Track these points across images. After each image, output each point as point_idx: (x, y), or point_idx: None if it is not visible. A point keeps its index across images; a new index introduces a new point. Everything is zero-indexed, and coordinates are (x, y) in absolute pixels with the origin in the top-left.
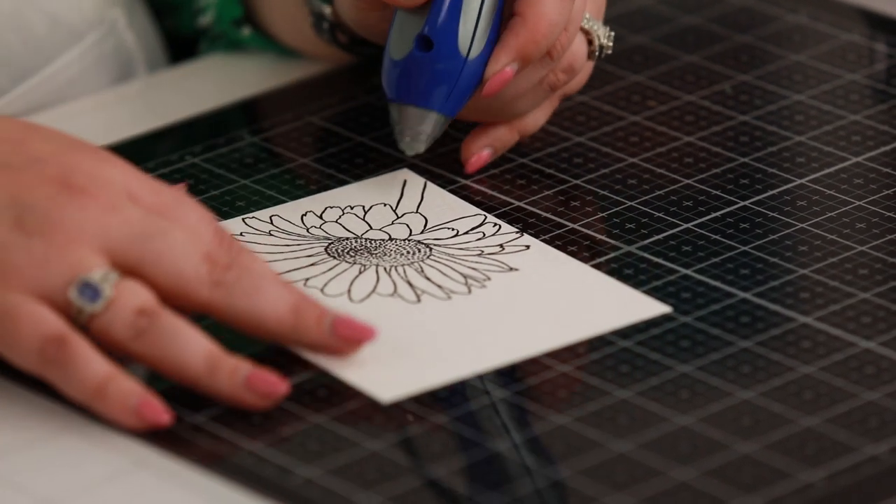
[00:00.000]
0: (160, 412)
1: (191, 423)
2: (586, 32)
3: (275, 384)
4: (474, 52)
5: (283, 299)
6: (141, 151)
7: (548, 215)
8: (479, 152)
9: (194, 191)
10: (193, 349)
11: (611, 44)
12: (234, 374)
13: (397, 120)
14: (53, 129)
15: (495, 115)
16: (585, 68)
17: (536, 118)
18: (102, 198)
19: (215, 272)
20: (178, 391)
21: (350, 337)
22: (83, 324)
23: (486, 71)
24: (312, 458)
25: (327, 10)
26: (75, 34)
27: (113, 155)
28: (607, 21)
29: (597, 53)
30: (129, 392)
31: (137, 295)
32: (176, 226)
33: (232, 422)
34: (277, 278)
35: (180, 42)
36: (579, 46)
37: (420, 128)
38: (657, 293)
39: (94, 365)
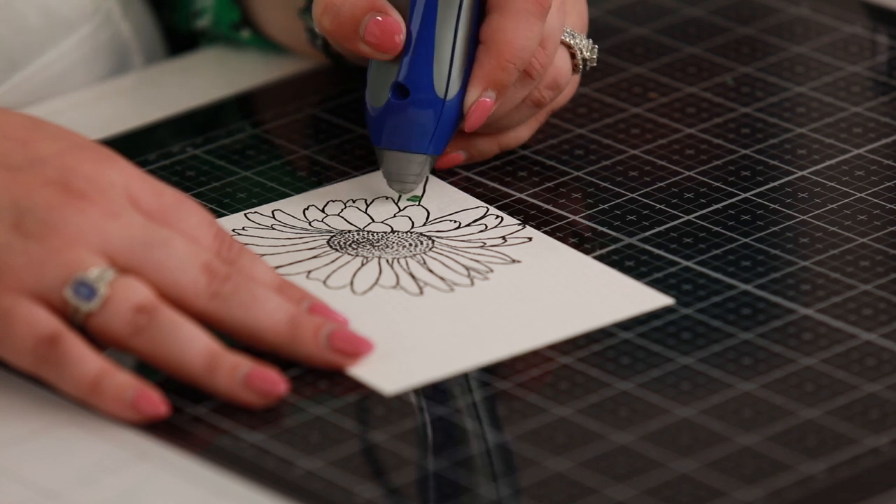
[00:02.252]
0: (157, 404)
1: (192, 414)
2: (569, 47)
3: (274, 383)
4: (451, 93)
5: (280, 311)
6: (142, 143)
7: (549, 207)
8: (454, 152)
9: (195, 182)
10: (193, 346)
11: (595, 56)
12: (233, 372)
13: (385, 164)
14: (59, 126)
15: (483, 128)
16: (572, 82)
17: (519, 133)
18: (102, 203)
19: (213, 283)
20: (179, 382)
21: (347, 350)
22: (80, 322)
23: (464, 105)
24: (314, 449)
25: None
26: (69, 25)
27: (115, 154)
28: (609, 12)
29: (581, 67)
30: (124, 386)
31: (136, 292)
32: (176, 234)
33: (233, 413)
34: (276, 286)
35: (179, 34)
36: (563, 62)
37: (408, 171)
38: (658, 285)
39: (87, 362)
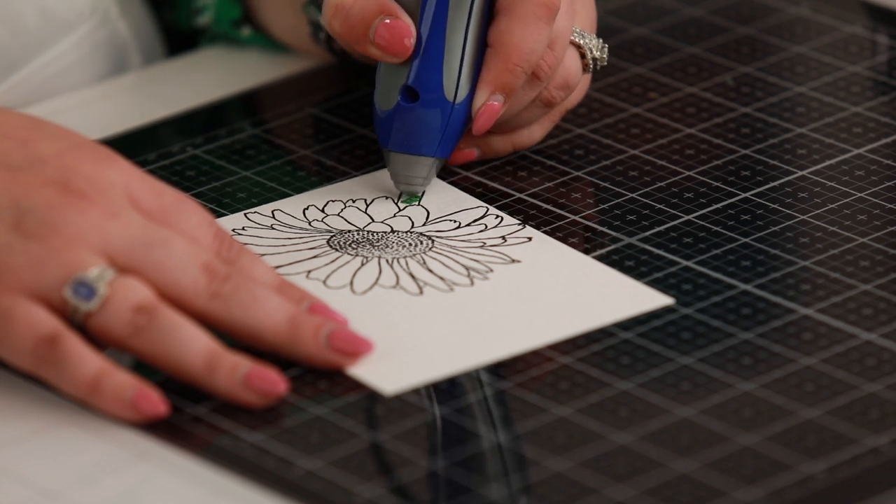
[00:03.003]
0: (156, 403)
1: (192, 414)
2: (578, 47)
3: (274, 383)
4: (461, 97)
5: (280, 311)
6: (142, 143)
7: (549, 207)
8: (467, 148)
9: (195, 182)
10: (192, 346)
11: (605, 56)
12: (233, 372)
13: (392, 166)
14: (58, 126)
15: (493, 128)
16: (582, 82)
17: (532, 133)
18: (102, 203)
19: (213, 283)
20: (179, 382)
21: (346, 350)
22: (80, 322)
23: (472, 108)
24: (314, 449)
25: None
26: (66, 25)
27: (115, 154)
28: (610, 12)
29: (591, 66)
30: (123, 386)
31: (135, 292)
32: (175, 234)
33: (233, 413)
34: (276, 286)
35: (179, 34)
36: (573, 62)
37: (415, 173)
38: (658, 285)
39: (87, 361)
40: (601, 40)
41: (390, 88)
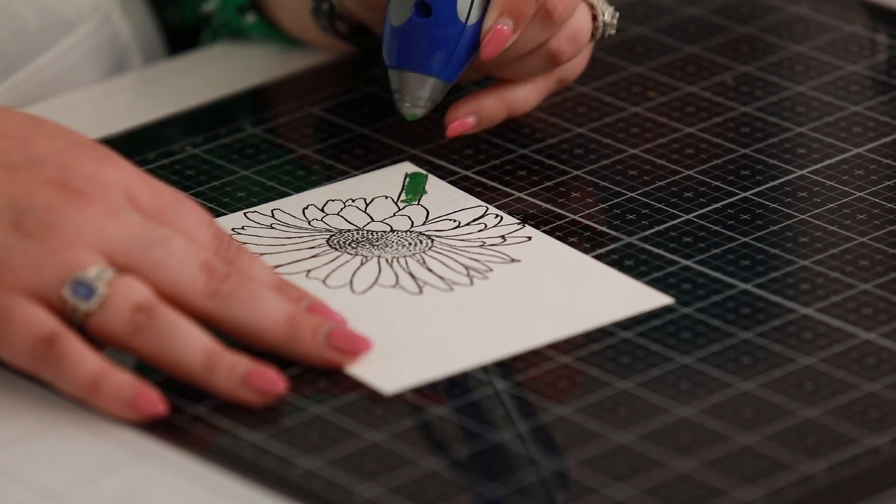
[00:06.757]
0: (155, 402)
1: (192, 413)
2: (591, 7)
3: (273, 382)
4: (473, 18)
5: (279, 310)
6: (142, 142)
7: (549, 206)
8: (464, 118)
9: (194, 181)
10: (191, 345)
11: (615, 23)
12: (232, 371)
13: (397, 86)
14: (58, 125)
15: (496, 72)
16: (584, 51)
17: (528, 95)
18: (101, 202)
19: (213, 282)
20: (178, 382)
21: (345, 349)
22: (79, 322)
23: (482, 30)
24: (313, 449)
25: None
26: (67, 25)
27: (114, 154)
28: None
29: (601, 31)
30: (122, 385)
31: (134, 291)
32: (175, 233)
33: (233, 412)
34: (275, 285)
35: (179, 34)
36: (584, 17)
37: (419, 93)
38: (658, 284)
39: (86, 361)
40: (613, 8)
41: (404, 4)
